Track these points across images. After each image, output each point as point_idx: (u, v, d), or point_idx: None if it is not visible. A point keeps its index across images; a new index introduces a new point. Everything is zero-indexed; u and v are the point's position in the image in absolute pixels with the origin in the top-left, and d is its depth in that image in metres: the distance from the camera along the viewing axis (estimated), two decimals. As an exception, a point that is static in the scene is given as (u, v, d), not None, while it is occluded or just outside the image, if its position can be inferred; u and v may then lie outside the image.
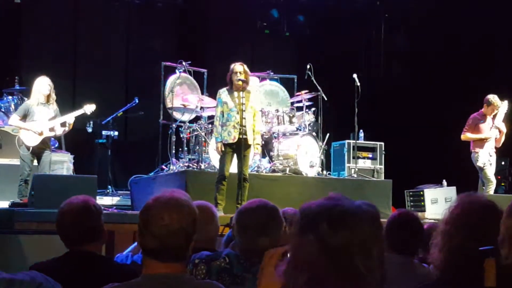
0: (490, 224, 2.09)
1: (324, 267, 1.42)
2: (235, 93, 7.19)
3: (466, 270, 2.04)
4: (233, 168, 7.35)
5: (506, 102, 8.80)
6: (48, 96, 7.94)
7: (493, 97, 8.79)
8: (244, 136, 7.12)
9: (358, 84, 9.32)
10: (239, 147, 7.14)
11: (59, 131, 8.01)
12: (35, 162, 7.93)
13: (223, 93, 7.28)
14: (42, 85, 7.92)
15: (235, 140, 7.11)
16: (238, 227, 2.84)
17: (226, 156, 7.19)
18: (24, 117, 7.85)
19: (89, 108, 8.24)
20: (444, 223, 2.17)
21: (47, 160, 7.91)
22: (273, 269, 2.04)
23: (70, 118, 8.02)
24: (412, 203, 9.83)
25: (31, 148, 7.80)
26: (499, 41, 11.87)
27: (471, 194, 2.22)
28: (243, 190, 7.16)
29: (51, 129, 7.89)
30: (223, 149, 7.18)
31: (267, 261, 2.13)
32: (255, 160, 8.47)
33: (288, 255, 1.55)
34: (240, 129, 7.10)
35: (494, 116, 8.80)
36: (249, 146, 7.23)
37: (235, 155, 7.24)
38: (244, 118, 7.11)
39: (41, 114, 7.85)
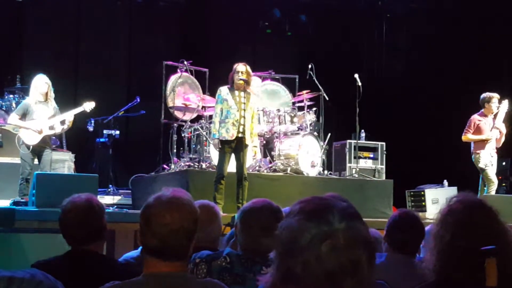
0: (478, 222, 2.09)
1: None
2: (236, 92, 7.20)
3: (460, 269, 2.04)
4: (231, 167, 7.34)
5: (506, 102, 8.75)
6: (46, 94, 7.91)
7: (487, 94, 8.77)
8: (242, 135, 7.12)
9: (360, 84, 9.30)
10: (237, 146, 7.14)
11: (59, 129, 7.98)
12: (36, 161, 7.90)
13: (223, 90, 7.26)
14: (40, 83, 7.88)
15: (233, 138, 7.10)
16: (241, 226, 2.82)
17: (224, 156, 7.17)
18: (24, 116, 7.81)
19: (89, 106, 8.17)
20: (435, 224, 2.17)
21: (48, 159, 7.88)
22: None
23: (69, 116, 7.98)
24: (413, 203, 9.83)
25: (31, 147, 7.77)
26: (501, 41, 11.86)
27: (462, 194, 2.22)
28: (243, 189, 7.15)
29: (51, 127, 7.86)
30: (219, 146, 7.17)
31: None
32: (256, 159, 8.45)
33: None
34: (239, 127, 7.10)
35: (495, 116, 8.76)
36: (246, 145, 7.20)
37: (233, 155, 7.24)
38: (244, 117, 7.11)
39: (40, 113, 7.82)
